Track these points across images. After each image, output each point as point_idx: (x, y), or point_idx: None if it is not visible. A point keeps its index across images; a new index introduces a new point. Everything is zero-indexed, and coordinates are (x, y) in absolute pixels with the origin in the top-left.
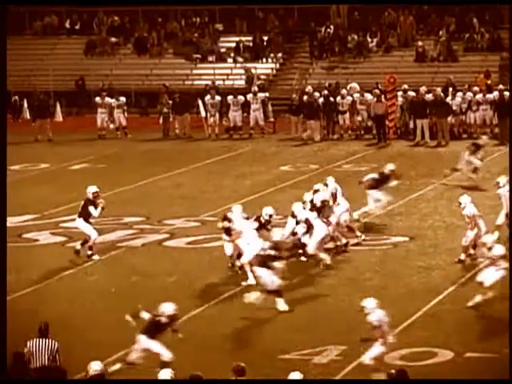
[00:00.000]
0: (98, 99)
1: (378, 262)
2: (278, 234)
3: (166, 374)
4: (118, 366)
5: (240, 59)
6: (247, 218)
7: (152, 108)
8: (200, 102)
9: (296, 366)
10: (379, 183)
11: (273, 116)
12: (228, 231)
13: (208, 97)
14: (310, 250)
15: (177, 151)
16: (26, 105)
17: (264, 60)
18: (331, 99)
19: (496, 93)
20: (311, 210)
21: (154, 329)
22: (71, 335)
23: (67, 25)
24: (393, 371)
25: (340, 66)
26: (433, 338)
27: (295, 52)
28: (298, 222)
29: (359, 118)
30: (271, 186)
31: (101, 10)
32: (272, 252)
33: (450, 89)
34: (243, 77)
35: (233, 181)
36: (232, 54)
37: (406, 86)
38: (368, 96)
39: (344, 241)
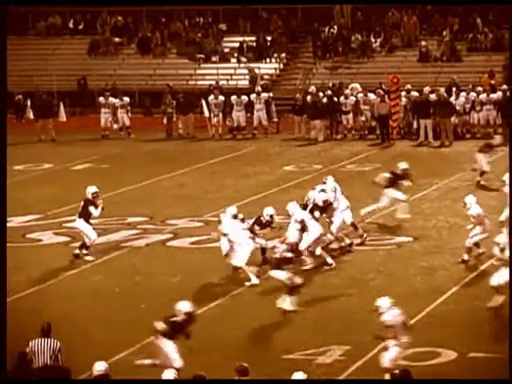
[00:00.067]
0: (101, 99)
1: (382, 262)
2: (292, 236)
3: (169, 374)
4: (148, 361)
5: (243, 59)
6: (242, 220)
7: (155, 108)
8: (203, 102)
9: (299, 366)
10: (394, 182)
11: (276, 116)
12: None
13: (211, 97)
14: (302, 246)
15: (180, 151)
16: (29, 105)
17: (267, 60)
18: (335, 99)
19: (500, 93)
20: (313, 209)
21: (173, 329)
22: (74, 335)
23: (71, 25)
24: (396, 371)
25: (343, 66)
26: (436, 338)
27: (299, 52)
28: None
29: (363, 118)
30: (275, 186)
31: (104, 10)
32: (288, 254)
33: (454, 89)
34: (247, 77)
35: (236, 181)
36: (235, 54)
37: (409, 86)
38: (371, 96)
39: (348, 241)
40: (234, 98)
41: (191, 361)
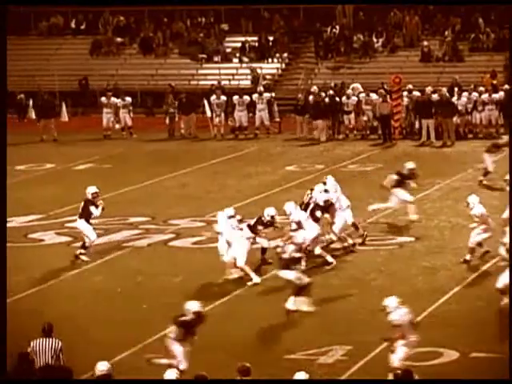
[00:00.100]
0: (103, 99)
1: (384, 262)
2: (300, 236)
3: (171, 373)
4: (164, 361)
5: (246, 59)
6: (240, 220)
7: (157, 108)
8: (206, 102)
9: (301, 366)
10: (401, 182)
11: (278, 116)
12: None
13: (214, 97)
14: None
15: (182, 151)
16: (31, 105)
17: (270, 60)
18: (337, 99)
19: (502, 93)
20: (314, 209)
21: (182, 329)
22: (76, 335)
23: (73, 25)
24: (399, 371)
25: (345, 66)
26: (438, 338)
27: (301, 52)
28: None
29: (365, 118)
30: (277, 186)
31: (106, 10)
32: (297, 254)
33: (456, 89)
34: (249, 77)
35: (238, 181)
36: (237, 54)
37: (410, 86)
38: (373, 96)
39: (351, 241)
40: (236, 98)
41: (193, 360)
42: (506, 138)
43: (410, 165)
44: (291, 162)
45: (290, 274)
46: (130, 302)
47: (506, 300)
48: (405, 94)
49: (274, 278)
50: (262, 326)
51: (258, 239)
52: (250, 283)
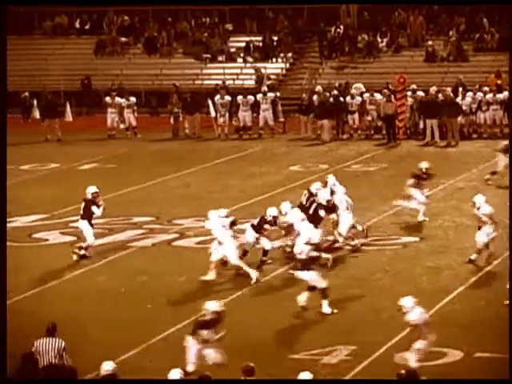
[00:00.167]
0: (107, 99)
1: (388, 262)
2: (316, 235)
3: (175, 373)
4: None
5: (250, 59)
6: (233, 223)
7: (162, 108)
8: (210, 102)
9: (305, 366)
10: (418, 183)
11: (282, 116)
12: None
13: (218, 97)
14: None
15: (186, 151)
16: (35, 104)
17: (274, 60)
18: (341, 99)
19: (506, 92)
20: (317, 208)
21: (203, 330)
22: (80, 335)
23: (77, 25)
24: (403, 371)
25: (350, 65)
26: (442, 338)
27: (305, 52)
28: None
29: (369, 118)
30: (281, 186)
31: (111, 10)
32: (314, 253)
33: (460, 89)
34: (253, 77)
35: (242, 181)
36: (242, 54)
37: (414, 86)
38: (377, 96)
39: (356, 241)
40: (240, 97)
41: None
42: None
43: (424, 164)
44: (295, 162)
45: (307, 275)
46: (134, 301)
47: None
48: (409, 93)
49: (276, 278)
50: (265, 326)
51: (261, 240)
52: (253, 282)
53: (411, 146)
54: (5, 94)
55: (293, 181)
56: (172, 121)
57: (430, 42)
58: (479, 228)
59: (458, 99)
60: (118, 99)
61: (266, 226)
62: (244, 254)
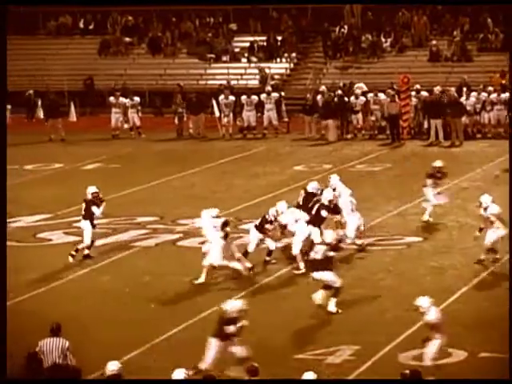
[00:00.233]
0: (112, 99)
1: (392, 262)
2: (329, 236)
3: (179, 373)
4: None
5: (254, 59)
6: (226, 223)
7: (166, 108)
8: (214, 102)
9: (309, 366)
10: (432, 183)
11: (287, 116)
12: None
13: (222, 96)
14: (294, 251)
15: (191, 151)
16: (39, 104)
17: (278, 60)
18: (345, 99)
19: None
20: (319, 209)
21: (227, 329)
22: (83, 335)
23: (81, 25)
24: (407, 371)
25: (354, 65)
26: (447, 338)
27: (309, 52)
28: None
29: (373, 118)
30: (285, 186)
31: (115, 10)
32: (330, 253)
33: (464, 89)
34: (257, 77)
35: (246, 181)
36: (246, 54)
37: (418, 86)
38: (381, 96)
39: (360, 241)
40: (244, 97)
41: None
42: None
43: (438, 163)
44: (299, 162)
45: (324, 275)
46: (138, 301)
47: None
48: (413, 93)
49: (280, 278)
50: (269, 326)
51: (266, 241)
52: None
53: (415, 146)
54: (5, 94)
55: (297, 181)
56: (176, 121)
57: (433, 42)
58: (480, 229)
59: (462, 99)
60: (122, 99)
61: (267, 226)
62: (245, 254)
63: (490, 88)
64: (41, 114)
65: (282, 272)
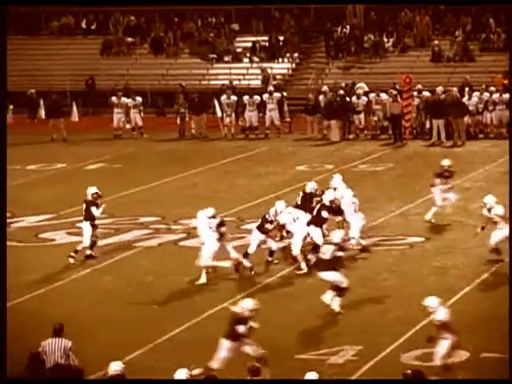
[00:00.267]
0: (114, 99)
1: (395, 263)
2: (338, 236)
3: (181, 374)
4: (197, 371)
5: (256, 59)
6: (221, 223)
7: (168, 108)
8: (216, 102)
9: (312, 366)
10: (441, 182)
11: (289, 116)
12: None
13: (224, 97)
14: (295, 251)
15: (193, 151)
16: (42, 104)
17: (280, 60)
18: (347, 99)
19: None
20: (320, 209)
21: (238, 328)
22: (85, 335)
23: (83, 25)
24: (409, 371)
25: (356, 65)
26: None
27: (311, 52)
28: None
29: (375, 118)
30: (287, 186)
31: (117, 10)
32: (339, 253)
33: (467, 89)
34: (259, 77)
35: (249, 181)
36: (248, 54)
37: (419, 86)
38: (384, 96)
39: (364, 242)
40: (246, 97)
41: (204, 360)
42: None
43: (446, 162)
44: (302, 162)
45: (331, 276)
46: (141, 301)
47: None
48: (415, 94)
49: (282, 279)
50: (271, 326)
51: (267, 241)
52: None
53: (418, 146)
54: (5, 94)
55: (299, 181)
56: (178, 121)
57: (436, 42)
58: (482, 228)
59: (465, 99)
60: (124, 99)
61: (267, 226)
62: (245, 255)
63: (493, 88)
64: (43, 114)
65: (284, 272)
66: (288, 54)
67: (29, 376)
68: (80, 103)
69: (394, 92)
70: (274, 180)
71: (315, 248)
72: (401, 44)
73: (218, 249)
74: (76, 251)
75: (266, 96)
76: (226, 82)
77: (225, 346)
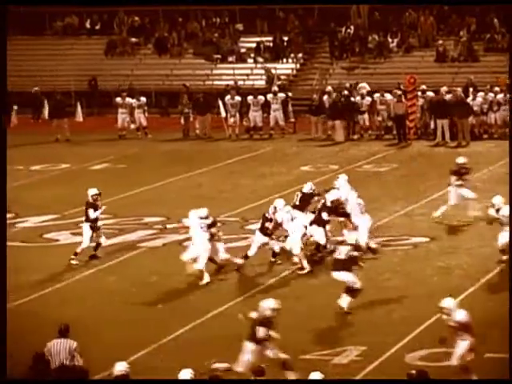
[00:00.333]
0: (118, 99)
1: (399, 263)
2: (352, 237)
3: (186, 374)
4: (225, 365)
5: (260, 59)
6: (213, 223)
7: (172, 108)
8: (220, 103)
9: (316, 367)
10: (458, 180)
11: (293, 116)
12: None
13: (228, 97)
14: (295, 251)
15: (197, 151)
16: (46, 104)
17: (284, 60)
18: (352, 99)
19: None
20: (321, 210)
21: (262, 329)
22: (90, 335)
23: (87, 25)
24: (413, 371)
25: (360, 66)
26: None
27: (315, 52)
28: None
29: (379, 118)
30: (292, 186)
31: (121, 10)
32: (355, 253)
33: (471, 89)
34: (263, 77)
35: (253, 181)
36: (252, 55)
37: (423, 87)
38: (388, 96)
39: (374, 244)
40: (250, 98)
41: (208, 360)
42: None
43: (461, 159)
44: (306, 163)
45: (345, 276)
46: (145, 302)
47: None
48: (419, 94)
49: (285, 279)
50: (277, 326)
51: (270, 243)
52: (202, 282)
53: (422, 147)
54: (4, 94)
55: (304, 181)
56: (182, 121)
57: (440, 42)
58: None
59: (469, 99)
60: (128, 99)
61: (267, 224)
62: (245, 257)
63: (497, 88)
64: (46, 114)
65: (286, 273)
66: (292, 55)
67: (33, 377)
68: (84, 103)
69: (399, 92)
70: (279, 180)
71: (318, 248)
72: (405, 44)
73: (208, 249)
74: (76, 253)
75: (270, 96)
76: (231, 83)
77: (248, 348)
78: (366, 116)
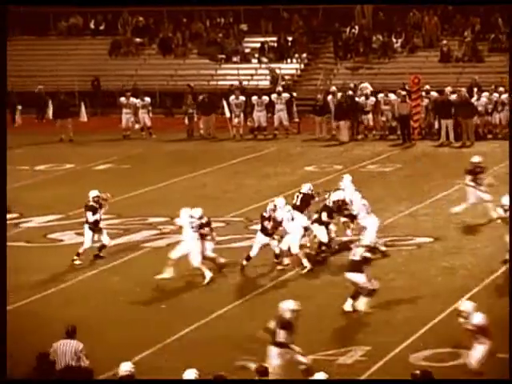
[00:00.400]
0: (122, 99)
1: (403, 263)
2: (367, 239)
3: (190, 374)
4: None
5: (265, 59)
6: (208, 223)
7: (177, 108)
8: (224, 103)
9: (321, 367)
10: (474, 179)
11: (297, 116)
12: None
13: (232, 97)
14: (294, 250)
15: (201, 151)
16: (50, 104)
17: (289, 60)
18: (356, 99)
19: None
20: (322, 211)
21: (285, 330)
22: (94, 335)
23: (92, 25)
24: (417, 372)
25: (364, 66)
26: (457, 338)
27: (320, 52)
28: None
29: (383, 119)
30: (296, 186)
31: (126, 11)
32: (368, 254)
33: (475, 89)
34: (268, 77)
35: (257, 181)
36: (256, 55)
37: (427, 87)
38: (392, 96)
39: (383, 247)
40: (254, 98)
41: (212, 361)
42: None
43: (476, 158)
44: (310, 163)
45: (358, 277)
46: (149, 302)
47: None
48: (423, 94)
49: (288, 280)
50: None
51: (271, 244)
52: (206, 280)
53: (426, 147)
54: (4, 94)
55: (308, 181)
56: (186, 121)
57: (444, 42)
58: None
59: (473, 99)
60: (132, 100)
61: (266, 224)
62: (247, 258)
63: (502, 88)
64: (50, 114)
65: (290, 273)
66: (296, 55)
67: (37, 377)
68: (88, 103)
69: (403, 92)
70: (283, 180)
71: (320, 246)
72: (409, 44)
73: (198, 247)
74: (78, 254)
75: (274, 96)
76: (235, 83)
77: (273, 353)
78: (370, 116)
